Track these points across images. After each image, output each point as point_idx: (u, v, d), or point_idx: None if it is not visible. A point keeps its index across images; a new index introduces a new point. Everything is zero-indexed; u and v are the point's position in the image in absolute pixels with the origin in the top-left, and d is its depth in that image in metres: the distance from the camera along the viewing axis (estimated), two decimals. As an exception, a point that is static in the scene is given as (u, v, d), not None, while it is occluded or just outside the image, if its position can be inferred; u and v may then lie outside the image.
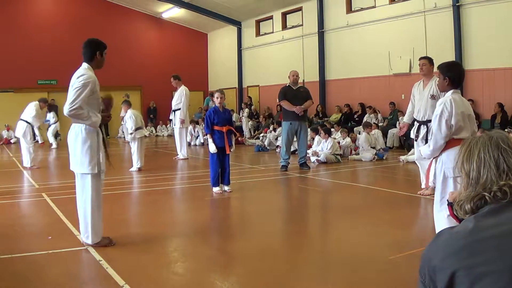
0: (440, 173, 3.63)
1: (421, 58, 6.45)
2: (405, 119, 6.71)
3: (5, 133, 18.00)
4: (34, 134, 10.24)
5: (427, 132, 5.71)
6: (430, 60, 6.33)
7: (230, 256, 4.13)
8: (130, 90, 18.66)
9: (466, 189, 1.34)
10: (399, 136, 12.32)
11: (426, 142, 5.41)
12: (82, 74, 4.02)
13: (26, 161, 9.85)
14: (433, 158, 3.77)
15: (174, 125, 11.42)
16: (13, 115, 14.49)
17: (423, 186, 6.42)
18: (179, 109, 11.16)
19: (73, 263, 3.85)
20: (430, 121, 4.97)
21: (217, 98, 6.70)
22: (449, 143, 3.60)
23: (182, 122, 11.11)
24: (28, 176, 8.92)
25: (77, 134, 4.09)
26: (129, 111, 9.61)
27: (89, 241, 4.11)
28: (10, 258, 3.88)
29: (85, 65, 4.14)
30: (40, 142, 16.38)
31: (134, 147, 9.42)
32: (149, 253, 4.02)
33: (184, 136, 11.33)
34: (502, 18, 11.01)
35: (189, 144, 14.98)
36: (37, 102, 10.06)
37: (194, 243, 4.45)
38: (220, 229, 5.16)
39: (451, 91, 3.68)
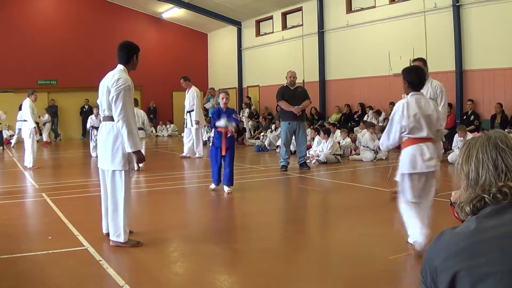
0: (399, 169, 3.96)
1: (414, 60, 6.34)
2: None
3: (5, 133, 17.98)
4: (40, 132, 10.29)
5: None
6: (424, 62, 6.23)
7: (230, 256, 4.14)
8: (130, 90, 18.67)
9: (466, 191, 1.33)
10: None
11: None
12: (118, 77, 4.06)
13: (28, 161, 9.85)
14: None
15: (191, 125, 11.59)
16: (13, 115, 14.49)
17: None
18: (193, 110, 11.45)
19: (73, 263, 3.84)
20: None
21: (222, 99, 6.76)
22: (404, 142, 3.86)
23: (198, 123, 11.43)
24: (28, 176, 8.92)
25: (108, 131, 4.10)
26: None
27: (121, 239, 4.10)
28: (10, 258, 3.88)
29: (120, 66, 4.18)
30: (44, 141, 16.56)
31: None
32: (149, 253, 4.02)
33: (200, 136, 11.68)
34: (502, 18, 11.01)
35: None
36: (28, 99, 10.08)
37: (194, 243, 4.44)
38: (220, 229, 5.16)
39: (410, 94, 3.90)
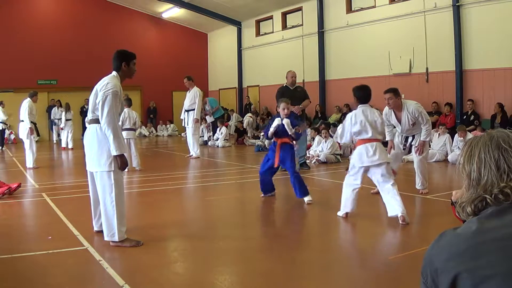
0: (352, 162, 5.13)
1: (385, 92, 6.23)
2: (388, 137, 6.59)
3: (5, 133, 17.97)
4: (37, 132, 10.24)
5: (412, 139, 6.46)
6: (395, 93, 6.16)
7: (230, 256, 4.13)
8: (129, 90, 18.66)
9: (467, 191, 1.32)
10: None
11: (411, 148, 6.53)
12: (107, 82, 4.14)
13: (29, 161, 9.83)
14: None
15: (187, 124, 11.62)
16: (13, 115, 14.48)
17: (417, 187, 6.48)
18: (193, 109, 11.49)
19: (73, 263, 3.84)
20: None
21: (283, 109, 5.97)
22: (357, 142, 5.05)
23: (197, 121, 11.53)
24: (28, 176, 8.91)
25: (93, 134, 4.17)
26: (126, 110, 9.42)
27: (116, 239, 4.12)
28: (10, 258, 3.88)
29: (114, 73, 4.29)
30: (62, 146, 15.60)
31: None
32: (149, 253, 4.02)
33: (197, 135, 11.75)
34: (502, 18, 11.00)
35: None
36: (28, 99, 10.08)
37: (194, 243, 4.44)
38: (220, 229, 5.16)
39: (359, 106, 5.08)
